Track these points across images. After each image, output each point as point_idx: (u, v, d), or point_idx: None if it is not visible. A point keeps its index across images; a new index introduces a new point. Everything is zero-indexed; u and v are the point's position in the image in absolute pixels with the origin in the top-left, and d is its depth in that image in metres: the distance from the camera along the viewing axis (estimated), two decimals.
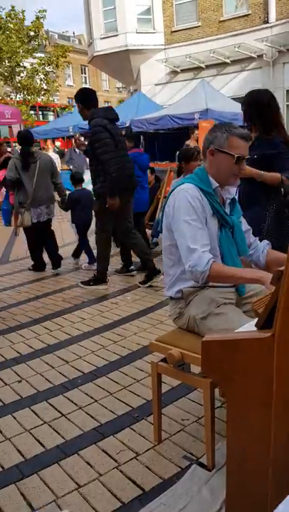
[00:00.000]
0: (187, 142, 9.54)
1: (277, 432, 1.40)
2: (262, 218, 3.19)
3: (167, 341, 2.22)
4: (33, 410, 2.68)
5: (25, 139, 5.54)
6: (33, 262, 5.97)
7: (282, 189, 3.17)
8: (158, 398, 2.26)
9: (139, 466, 2.14)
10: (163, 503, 1.90)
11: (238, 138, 2.12)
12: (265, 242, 2.41)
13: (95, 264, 5.27)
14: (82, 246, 6.02)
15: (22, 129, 10.73)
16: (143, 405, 2.64)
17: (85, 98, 4.68)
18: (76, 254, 6.16)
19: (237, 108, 12.96)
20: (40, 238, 5.76)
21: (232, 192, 2.34)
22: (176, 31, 18.88)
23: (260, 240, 2.48)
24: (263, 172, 3.09)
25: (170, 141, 11.59)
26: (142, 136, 13.86)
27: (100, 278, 4.98)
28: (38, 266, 5.91)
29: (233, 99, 14.57)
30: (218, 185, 2.19)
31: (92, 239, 5.55)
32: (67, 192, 5.98)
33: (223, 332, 1.98)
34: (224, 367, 1.48)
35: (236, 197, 2.39)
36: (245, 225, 2.39)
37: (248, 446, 1.49)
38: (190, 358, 2.08)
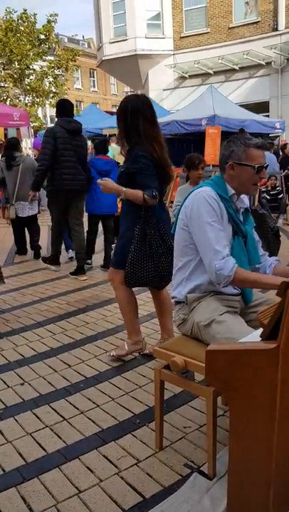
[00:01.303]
0: None
1: (280, 444, 1.40)
2: (129, 240, 2.95)
3: (171, 348, 2.22)
4: (35, 414, 2.68)
5: (11, 144, 6.72)
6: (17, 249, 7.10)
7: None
8: (160, 405, 2.26)
9: (140, 473, 2.14)
10: (163, 511, 1.90)
11: (254, 148, 2.17)
12: (274, 257, 2.43)
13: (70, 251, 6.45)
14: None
15: (31, 131, 10.83)
16: (145, 411, 2.63)
17: (58, 108, 5.50)
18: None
19: (245, 115, 13.03)
20: (24, 229, 6.90)
21: (246, 202, 2.36)
22: (185, 37, 18.99)
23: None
24: (125, 189, 2.87)
25: (176, 146, 11.62)
26: None
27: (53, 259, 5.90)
28: (19, 249, 7.01)
29: (241, 105, 14.60)
30: (234, 192, 2.23)
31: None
32: None
33: (224, 340, 1.98)
34: (228, 377, 1.48)
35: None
36: (256, 237, 2.40)
37: (250, 457, 1.49)
38: (193, 365, 2.07)
